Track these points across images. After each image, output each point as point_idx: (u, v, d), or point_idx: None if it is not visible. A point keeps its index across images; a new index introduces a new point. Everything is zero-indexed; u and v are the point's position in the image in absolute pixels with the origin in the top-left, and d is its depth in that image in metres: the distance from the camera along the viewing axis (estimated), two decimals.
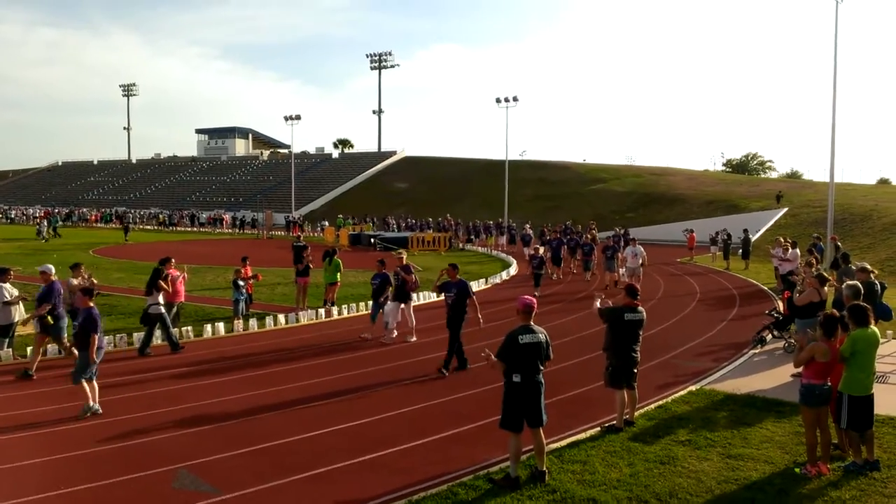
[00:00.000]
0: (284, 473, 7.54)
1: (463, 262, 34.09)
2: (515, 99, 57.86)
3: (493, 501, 6.75)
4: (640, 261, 22.84)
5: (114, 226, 68.97)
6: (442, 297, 12.90)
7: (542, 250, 23.59)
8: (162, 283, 13.91)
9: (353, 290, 22.80)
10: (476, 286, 23.03)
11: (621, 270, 24.58)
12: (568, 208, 58.02)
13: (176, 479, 7.43)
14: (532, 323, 7.34)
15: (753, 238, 36.00)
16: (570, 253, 28.94)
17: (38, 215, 58.20)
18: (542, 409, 7.30)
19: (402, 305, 14.86)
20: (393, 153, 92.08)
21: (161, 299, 13.82)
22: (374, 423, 9.32)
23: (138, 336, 14.34)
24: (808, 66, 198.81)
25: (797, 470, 7.43)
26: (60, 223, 55.26)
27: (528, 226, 41.03)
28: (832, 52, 29.30)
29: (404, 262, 15.23)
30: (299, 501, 6.87)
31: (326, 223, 55.96)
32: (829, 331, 7.45)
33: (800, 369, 7.65)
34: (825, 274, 12.44)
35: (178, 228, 67.21)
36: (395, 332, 14.93)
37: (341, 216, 57.40)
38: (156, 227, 68.13)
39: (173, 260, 15.24)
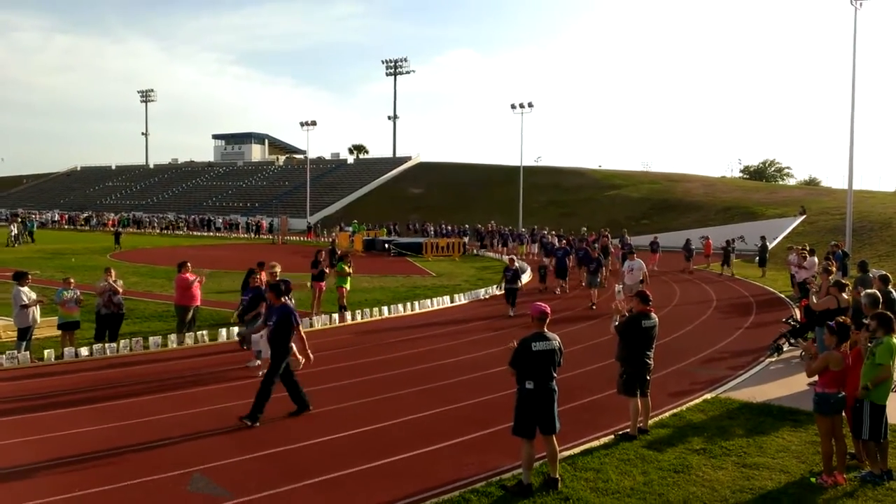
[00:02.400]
0: (297, 478, 7.57)
1: (477, 267, 34.14)
2: (530, 105, 58.00)
3: None
4: (640, 277, 19.75)
5: (131, 230, 69.74)
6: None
7: (517, 262, 20.68)
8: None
9: (368, 294, 22.88)
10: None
11: (617, 287, 22.27)
12: (583, 215, 57.82)
13: (190, 482, 7.48)
14: (546, 330, 7.32)
15: (771, 245, 35.73)
16: (578, 264, 25.73)
17: (12, 218, 54.43)
18: (556, 417, 7.28)
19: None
20: (408, 159, 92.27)
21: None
22: (387, 429, 9.33)
23: (154, 340, 14.48)
24: (827, 72, 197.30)
25: (813, 479, 7.36)
26: (37, 227, 54.90)
27: (551, 233, 37.07)
28: (851, 58, 29.12)
29: (278, 277, 13.07)
30: None
31: (349, 228, 55.37)
32: (842, 338, 7.39)
33: (815, 378, 7.59)
34: (843, 281, 12.32)
35: (192, 233, 67.70)
36: (258, 362, 12.46)
37: (356, 221, 57.58)
38: (160, 232, 68.77)
39: (189, 264, 15.40)
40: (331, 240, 43.61)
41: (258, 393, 9.44)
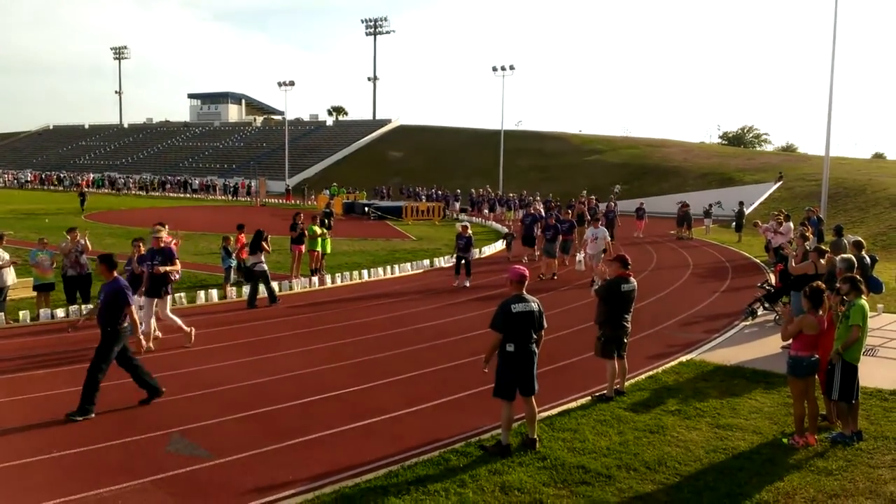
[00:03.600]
0: (277, 439, 7.60)
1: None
2: (512, 67, 57.52)
3: (485, 468, 6.82)
4: (603, 245, 18.35)
5: (105, 191, 68.70)
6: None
7: (469, 230, 18.83)
8: (265, 245, 15.41)
9: (347, 258, 22.80)
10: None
11: (578, 257, 20.61)
12: (563, 179, 57.87)
13: (169, 443, 7.48)
14: (525, 293, 7.35)
15: (748, 211, 36.07)
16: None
17: None
18: (535, 378, 7.35)
19: (157, 302, 11.50)
20: (388, 122, 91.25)
21: (263, 258, 15.28)
22: (368, 391, 9.38)
23: None
24: (806, 39, 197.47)
25: (785, 440, 7.52)
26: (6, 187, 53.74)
27: (537, 199, 35.09)
28: (831, 26, 29.10)
29: (162, 244, 11.91)
30: (292, 466, 6.93)
31: (326, 191, 54.34)
32: (817, 303, 7.50)
33: (788, 342, 7.72)
34: (822, 247, 12.45)
35: (168, 194, 66.88)
36: (146, 340, 10.84)
37: (335, 184, 57.12)
38: (134, 192, 67.95)
39: (167, 226, 15.17)
40: (326, 203, 42.73)
41: (85, 382, 8.24)
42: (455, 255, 18.64)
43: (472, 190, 49.36)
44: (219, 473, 6.78)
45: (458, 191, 49.74)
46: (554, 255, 19.87)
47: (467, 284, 17.97)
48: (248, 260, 15.40)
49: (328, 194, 50.76)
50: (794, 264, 12.05)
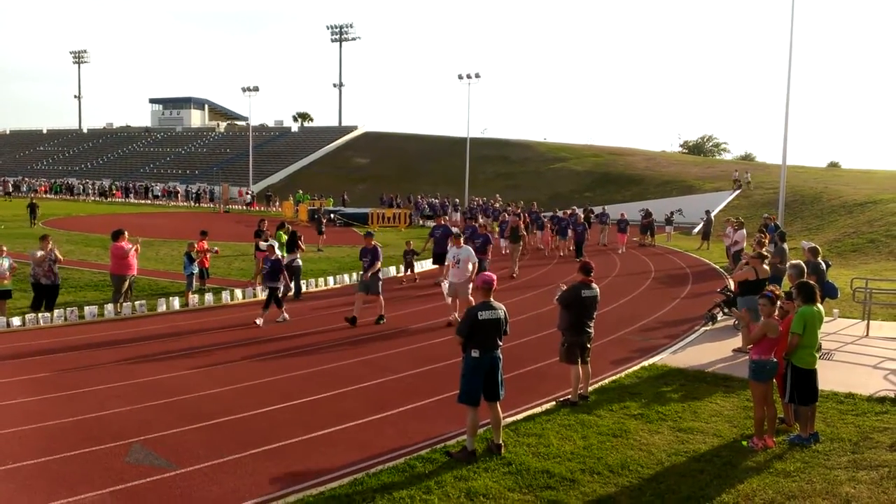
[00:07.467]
0: (240, 448, 7.50)
1: (423, 238, 33.97)
2: (477, 75, 57.78)
3: (450, 474, 6.83)
4: (469, 271, 13.90)
5: (65, 196, 67.22)
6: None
7: (276, 252, 14.79)
8: (300, 243, 17.50)
9: (313, 265, 22.64)
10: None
11: (444, 286, 14.69)
12: (528, 187, 58.27)
13: (129, 453, 7.33)
14: (492, 299, 7.40)
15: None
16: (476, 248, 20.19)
17: None
18: (500, 384, 7.39)
19: None
20: (353, 128, 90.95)
21: (298, 254, 17.24)
22: (331, 399, 9.32)
23: (90, 310, 14.06)
24: (764, 51, 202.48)
25: (744, 443, 7.67)
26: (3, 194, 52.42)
27: (515, 209, 33.61)
28: (787, 39, 29.84)
29: None
30: (255, 476, 6.86)
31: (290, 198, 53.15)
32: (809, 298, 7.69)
33: (739, 346, 7.87)
34: (763, 253, 12.67)
35: (129, 200, 65.67)
36: None
37: (301, 191, 56.68)
38: (93, 199, 66.56)
39: (126, 233, 14.96)
40: (312, 209, 40.30)
41: None
42: (265, 284, 14.81)
43: (474, 199, 48.64)
44: (180, 484, 6.67)
45: (458, 200, 49.02)
46: (366, 292, 14.35)
47: (284, 318, 14.28)
48: (286, 258, 16.56)
49: (293, 201, 50.36)
50: (735, 273, 12.31)
